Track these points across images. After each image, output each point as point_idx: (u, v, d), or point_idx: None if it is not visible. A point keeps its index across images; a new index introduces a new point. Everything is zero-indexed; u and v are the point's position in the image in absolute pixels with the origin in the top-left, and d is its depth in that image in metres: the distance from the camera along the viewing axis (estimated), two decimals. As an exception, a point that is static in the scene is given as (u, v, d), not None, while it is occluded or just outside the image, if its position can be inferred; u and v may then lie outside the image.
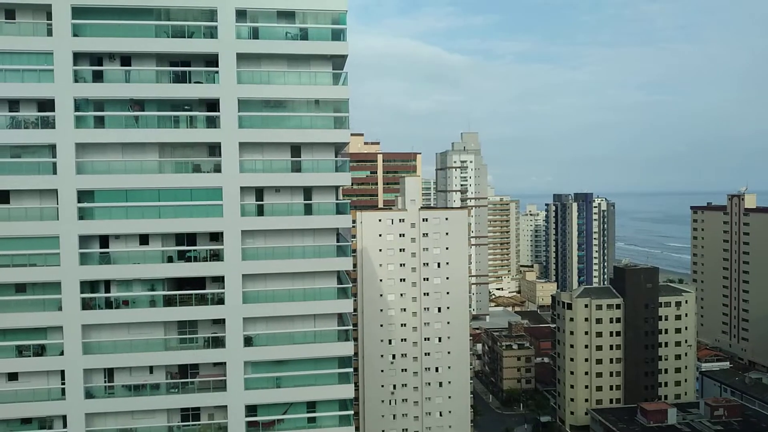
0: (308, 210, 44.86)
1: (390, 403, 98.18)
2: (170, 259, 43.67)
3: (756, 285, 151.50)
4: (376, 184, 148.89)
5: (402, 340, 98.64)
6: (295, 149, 44.83)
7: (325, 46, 43.89)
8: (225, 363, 43.40)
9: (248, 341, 43.87)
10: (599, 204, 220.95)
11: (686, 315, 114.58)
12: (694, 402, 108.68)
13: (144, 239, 43.34)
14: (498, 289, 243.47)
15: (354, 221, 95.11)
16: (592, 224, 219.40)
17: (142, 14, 42.16)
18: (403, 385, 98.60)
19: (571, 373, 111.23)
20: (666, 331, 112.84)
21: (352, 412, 46.03)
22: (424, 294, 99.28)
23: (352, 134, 52.40)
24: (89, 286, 42.76)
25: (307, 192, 45.10)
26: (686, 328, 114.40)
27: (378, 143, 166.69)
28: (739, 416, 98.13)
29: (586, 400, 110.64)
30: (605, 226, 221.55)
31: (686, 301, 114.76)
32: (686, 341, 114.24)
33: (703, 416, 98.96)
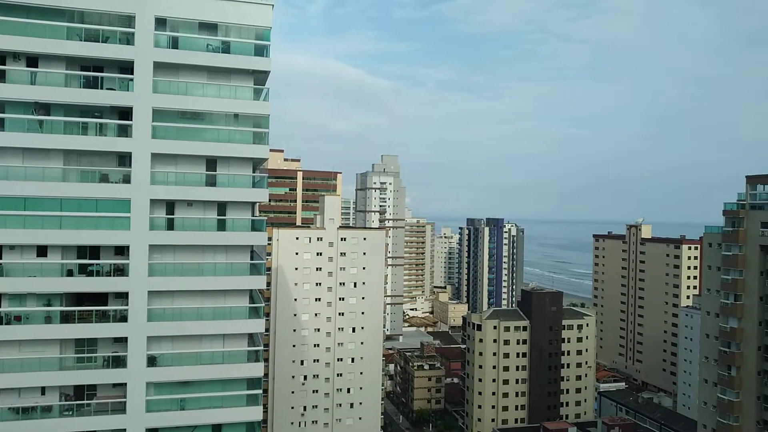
0: (222, 226, 43.82)
1: (299, 425, 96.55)
2: (70, 273, 41.23)
3: (649, 310, 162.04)
4: (295, 201, 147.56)
5: (314, 360, 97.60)
6: (211, 163, 43.82)
7: (246, 60, 43.42)
8: (126, 384, 41.27)
9: (152, 361, 41.98)
10: (510, 229, 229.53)
11: (587, 338, 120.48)
12: (592, 421, 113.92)
13: (42, 251, 40.73)
14: (412, 309, 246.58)
15: (270, 238, 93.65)
16: (502, 248, 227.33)
17: (53, 14, 40.11)
18: (313, 406, 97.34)
19: (479, 393, 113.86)
20: (568, 353, 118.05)
21: (259, 435, 44.97)
22: (339, 314, 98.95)
23: (272, 150, 51.76)
24: (-24, 299, 39.60)
25: (222, 207, 44.11)
26: (587, 350, 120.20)
27: (299, 160, 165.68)
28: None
29: (493, 420, 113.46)
30: (515, 250, 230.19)
31: (587, 325, 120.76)
32: (587, 363, 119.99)
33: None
